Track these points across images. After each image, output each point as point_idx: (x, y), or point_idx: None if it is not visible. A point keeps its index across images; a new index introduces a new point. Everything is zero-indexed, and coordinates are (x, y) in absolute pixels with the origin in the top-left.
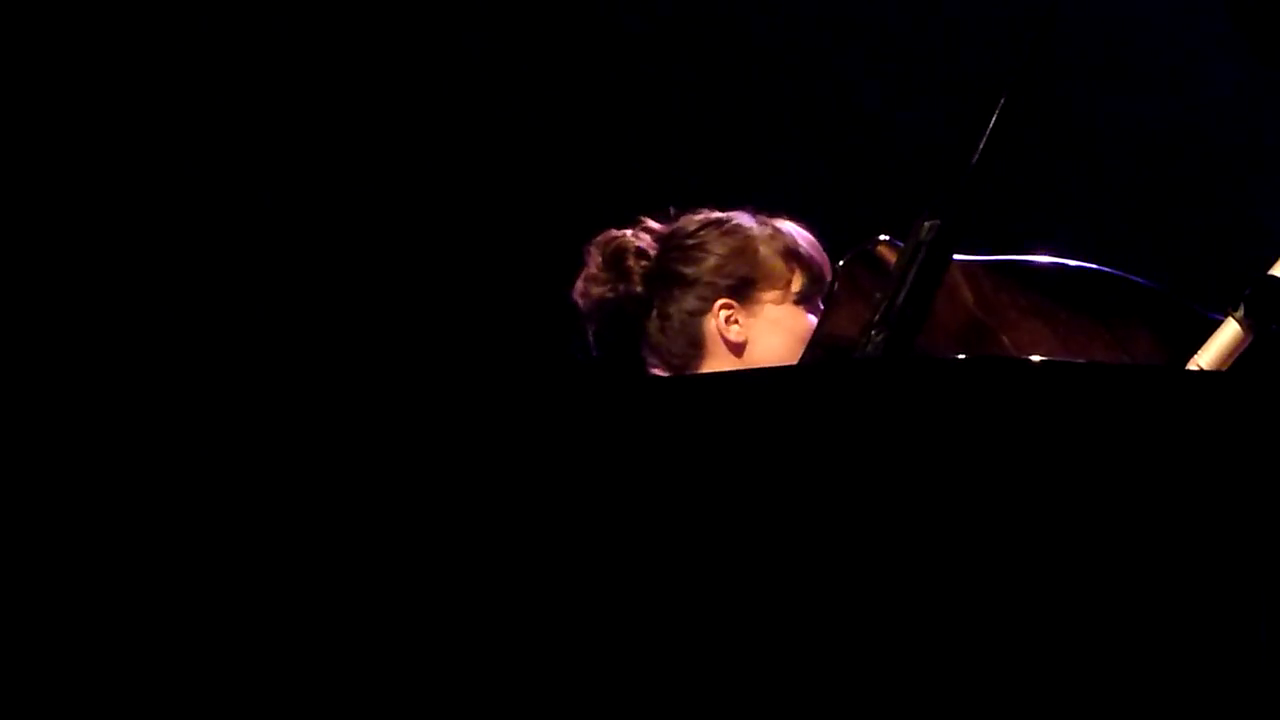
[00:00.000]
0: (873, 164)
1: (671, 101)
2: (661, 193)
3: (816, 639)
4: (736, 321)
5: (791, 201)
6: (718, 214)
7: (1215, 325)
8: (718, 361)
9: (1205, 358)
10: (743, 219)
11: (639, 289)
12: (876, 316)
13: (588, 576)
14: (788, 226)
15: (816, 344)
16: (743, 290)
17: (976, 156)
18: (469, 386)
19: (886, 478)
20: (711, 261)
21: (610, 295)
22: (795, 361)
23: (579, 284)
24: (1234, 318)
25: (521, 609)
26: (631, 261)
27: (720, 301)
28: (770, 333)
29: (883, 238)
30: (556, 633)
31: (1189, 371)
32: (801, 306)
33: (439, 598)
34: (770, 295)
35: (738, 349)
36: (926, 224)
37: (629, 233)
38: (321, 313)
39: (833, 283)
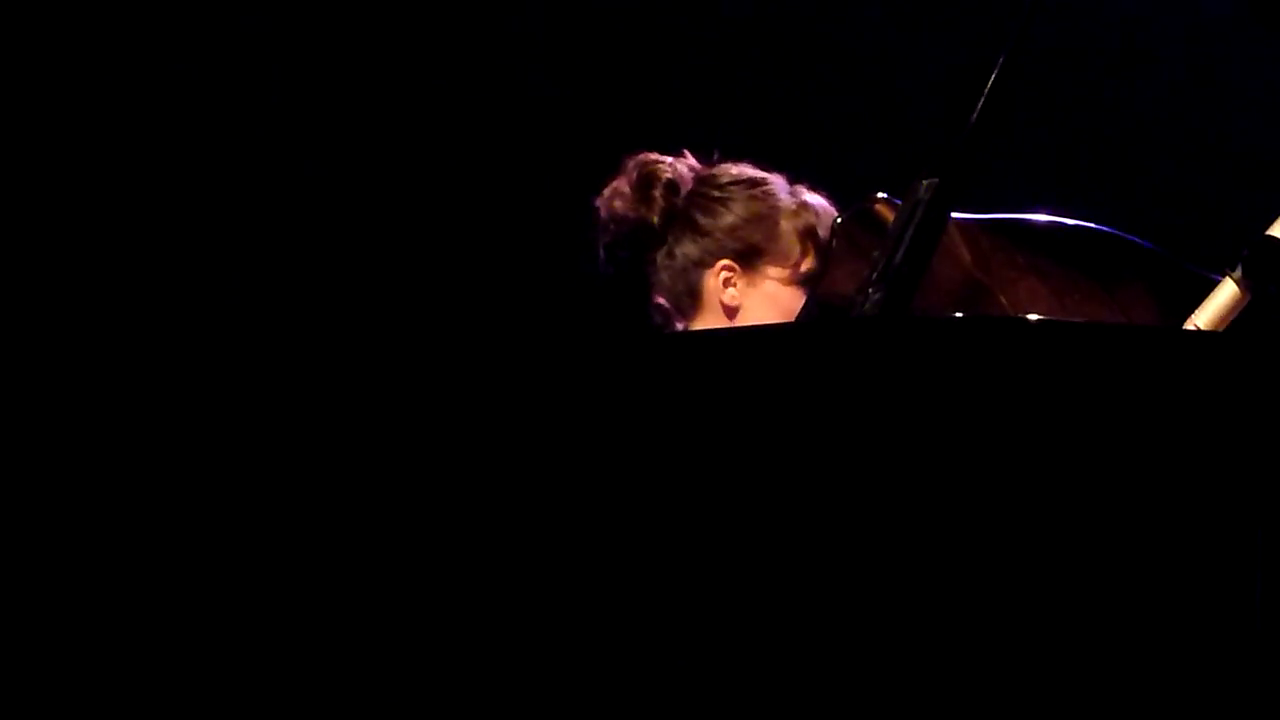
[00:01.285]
0: (873, 122)
1: (676, 54)
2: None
3: (813, 600)
4: (734, 285)
5: (793, 160)
6: (754, 173)
7: (1212, 285)
8: (710, 318)
9: (1203, 318)
10: (777, 186)
11: (656, 220)
12: (874, 275)
13: (580, 541)
14: (817, 204)
15: (813, 302)
16: (750, 257)
17: (975, 115)
18: (451, 360)
19: (882, 436)
20: (728, 220)
21: (630, 215)
22: None
23: (605, 192)
24: (1232, 278)
25: (510, 574)
26: (658, 192)
27: (723, 262)
28: (765, 305)
29: (880, 196)
30: (545, 598)
31: (1186, 331)
32: (803, 289)
33: (418, 561)
34: (775, 270)
35: (730, 312)
36: (925, 182)
37: (668, 161)
38: (298, 285)
39: (830, 240)
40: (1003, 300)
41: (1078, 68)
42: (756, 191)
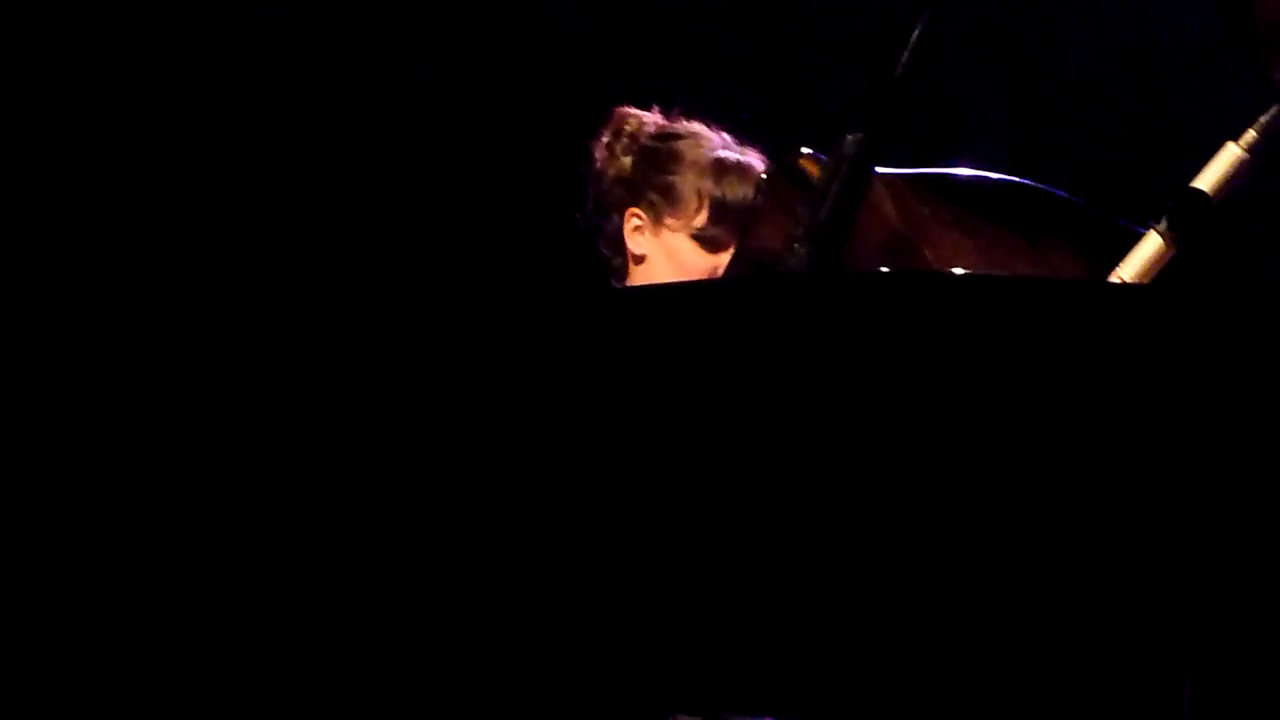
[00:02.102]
0: (798, 77)
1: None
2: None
3: (739, 558)
4: (640, 231)
5: (718, 111)
6: (692, 127)
7: (1137, 238)
8: (633, 270)
9: (1128, 271)
10: (700, 143)
11: (612, 172)
12: (800, 230)
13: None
14: (732, 162)
15: (740, 257)
16: (656, 206)
17: (899, 70)
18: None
19: (808, 390)
20: (636, 170)
21: (598, 167)
22: None
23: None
24: (1156, 231)
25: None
26: (619, 144)
27: (631, 210)
28: (665, 257)
29: (805, 151)
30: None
31: (1111, 284)
32: (699, 244)
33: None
34: (673, 223)
35: (638, 260)
36: (850, 137)
37: (636, 115)
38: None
39: (755, 196)
40: (928, 254)
41: (1003, 22)
42: (668, 146)
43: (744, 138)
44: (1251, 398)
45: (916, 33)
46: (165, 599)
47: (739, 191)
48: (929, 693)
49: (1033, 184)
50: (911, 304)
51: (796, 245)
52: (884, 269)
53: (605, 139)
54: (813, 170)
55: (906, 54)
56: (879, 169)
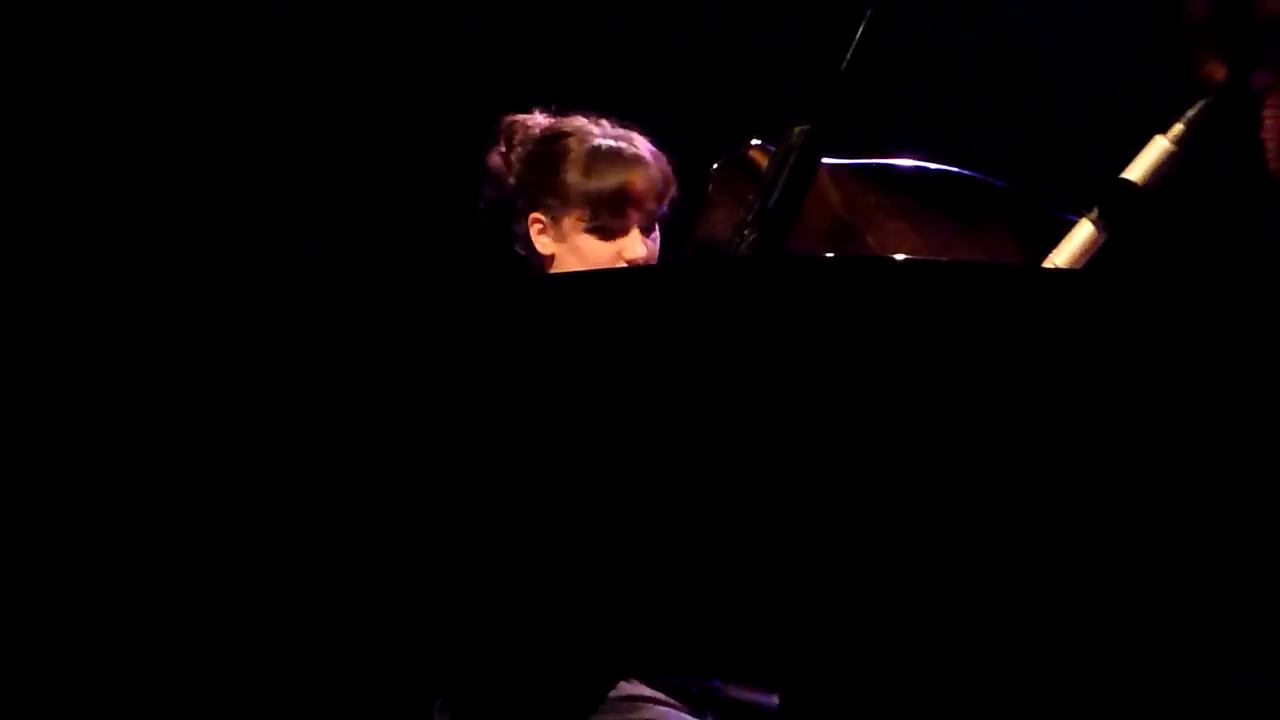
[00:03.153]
0: (749, 71)
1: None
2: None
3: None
4: (544, 234)
5: (671, 107)
6: (576, 122)
7: (1070, 226)
8: (546, 270)
9: (1061, 256)
10: (583, 138)
11: (511, 181)
12: (749, 217)
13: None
14: (604, 149)
15: (692, 244)
16: (552, 209)
17: (844, 65)
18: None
19: (756, 369)
20: (523, 173)
21: (494, 177)
22: None
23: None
24: (1088, 218)
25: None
26: (512, 152)
27: (532, 214)
28: (569, 255)
29: (754, 142)
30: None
31: (1044, 269)
32: (595, 235)
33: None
34: (570, 222)
35: (547, 261)
36: (796, 129)
37: (522, 121)
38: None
39: (707, 185)
40: (870, 240)
41: (944, 20)
42: (552, 147)
43: (654, 125)
44: (1176, 378)
45: (860, 30)
46: (159, 578)
47: (612, 177)
48: (871, 661)
49: (971, 173)
50: (854, 287)
51: (746, 231)
52: (829, 254)
53: (499, 150)
54: (762, 160)
55: (851, 50)
56: (824, 159)
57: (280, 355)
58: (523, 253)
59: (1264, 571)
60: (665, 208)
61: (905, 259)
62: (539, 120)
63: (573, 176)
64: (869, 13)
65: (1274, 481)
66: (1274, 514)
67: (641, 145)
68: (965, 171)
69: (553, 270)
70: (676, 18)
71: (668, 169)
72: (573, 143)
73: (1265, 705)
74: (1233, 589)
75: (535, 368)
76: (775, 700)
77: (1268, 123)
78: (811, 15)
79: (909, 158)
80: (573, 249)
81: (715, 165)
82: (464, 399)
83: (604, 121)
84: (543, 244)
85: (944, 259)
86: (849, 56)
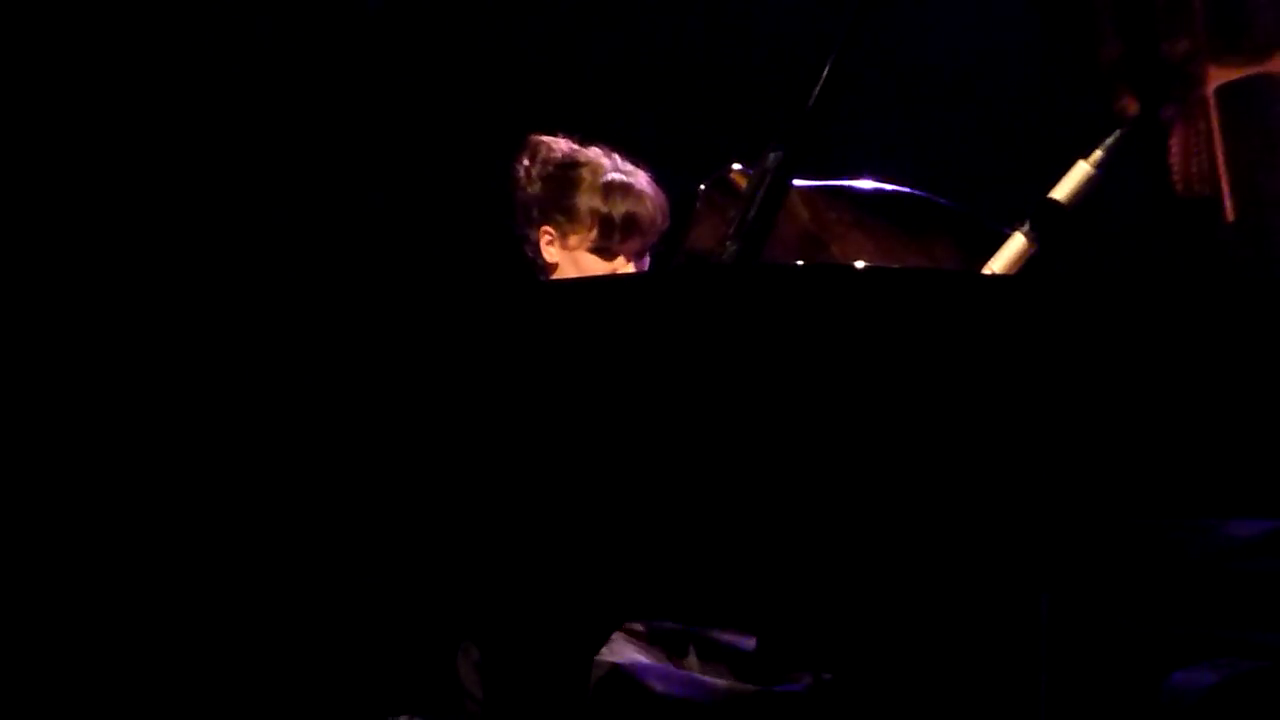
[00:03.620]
0: (726, 107)
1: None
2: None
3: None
4: (552, 245)
5: (666, 134)
6: (590, 154)
7: (1005, 238)
8: (549, 275)
9: (997, 264)
10: (596, 168)
11: (529, 193)
12: (731, 230)
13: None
14: (618, 183)
15: (682, 252)
16: (561, 225)
17: (812, 101)
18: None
19: (734, 359)
20: (542, 193)
21: (518, 188)
22: None
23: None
24: (1021, 232)
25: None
26: (534, 168)
27: (544, 227)
28: (570, 265)
29: (736, 166)
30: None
31: (983, 275)
32: (596, 254)
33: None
34: (575, 239)
35: (551, 269)
36: (771, 155)
37: (546, 142)
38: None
39: (695, 202)
40: (835, 250)
41: (901, 61)
42: (569, 174)
43: (650, 157)
44: (1095, 365)
45: (826, 70)
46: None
47: (622, 207)
48: (833, 606)
49: (920, 193)
50: (821, 290)
51: (728, 242)
52: (799, 262)
53: (523, 163)
54: (741, 182)
55: (818, 87)
56: (795, 181)
57: (336, 341)
58: (530, 255)
59: (1165, 533)
60: (656, 239)
61: (864, 266)
62: (560, 144)
63: (586, 201)
64: (832, 57)
65: (1169, 459)
66: (1170, 485)
67: (646, 182)
68: (915, 191)
69: (553, 278)
70: (669, 46)
71: (665, 205)
72: (586, 172)
73: (1161, 645)
74: (1139, 549)
75: (552, 356)
76: (751, 642)
77: (1173, 149)
78: (788, 50)
79: (867, 179)
80: (574, 262)
81: (702, 185)
82: (492, 385)
83: (615, 155)
84: (549, 254)
85: (897, 266)
86: (815, 95)
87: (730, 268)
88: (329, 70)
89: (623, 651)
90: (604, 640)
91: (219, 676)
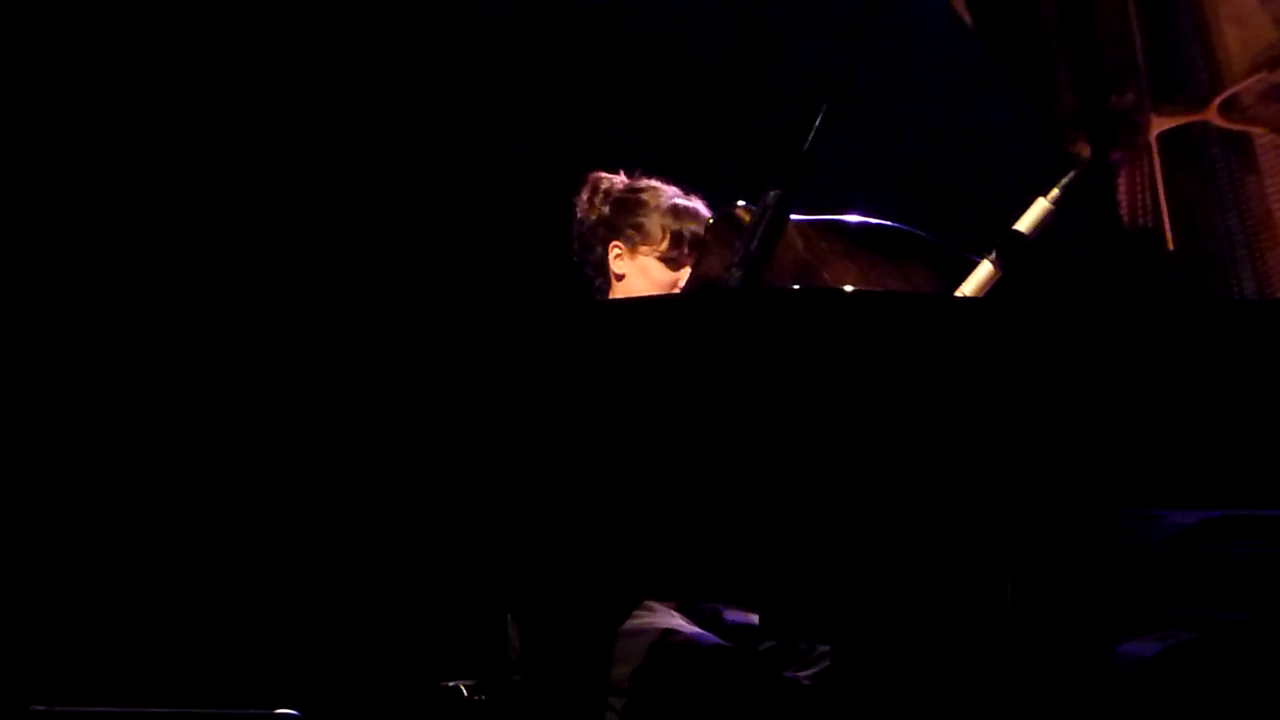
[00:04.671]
0: (738, 149)
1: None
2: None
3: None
4: (621, 258)
5: (690, 172)
6: (651, 183)
7: (973, 265)
8: (611, 286)
9: (968, 288)
10: (655, 194)
11: (593, 218)
12: (736, 259)
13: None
14: (688, 208)
15: (693, 279)
16: (632, 239)
17: (806, 147)
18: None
19: (738, 369)
20: (616, 214)
21: (580, 216)
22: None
23: (576, 200)
24: (988, 260)
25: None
26: (597, 198)
27: (613, 241)
28: (639, 273)
29: (740, 203)
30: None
31: (956, 297)
32: (664, 264)
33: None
34: (646, 250)
35: (619, 278)
36: (771, 193)
37: (607, 176)
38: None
39: (705, 234)
40: (826, 276)
41: (882, 115)
42: (636, 196)
43: (690, 188)
44: (1054, 374)
45: (818, 121)
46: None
47: (690, 225)
48: (827, 585)
49: (901, 226)
50: (814, 310)
51: (733, 269)
52: (795, 286)
53: (585, 195)
54: (745, 217)
55: (812, 135)
56: (792, 216)
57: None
58: (590, 274)
59: (1114, 521)
60: None
61: (852, 290)
62: (619, 178)
63: (656, 219)
64: (824, 108)
65: (1119, 457)
66: (1119, 479)
67: (703, 205)
68: (896, 224)
69: (619, 284)
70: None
71: None
72: (649, 196)
73: (1110, 619)
74: (1092, 535)
75: (585, 368)
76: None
77: (1120, 187)
78: (786, 106)
79: (855, 214)
80: (642, 270)
81: (710, 220)
82: (535, 389)
83: (673, 186)
84: (618, 266)
85: (880, 290)
86: (810, 139)
87: (735, 292)
88: (347, 75)
89: (667, 620)
90: (626, 615)
91: (295, 641)
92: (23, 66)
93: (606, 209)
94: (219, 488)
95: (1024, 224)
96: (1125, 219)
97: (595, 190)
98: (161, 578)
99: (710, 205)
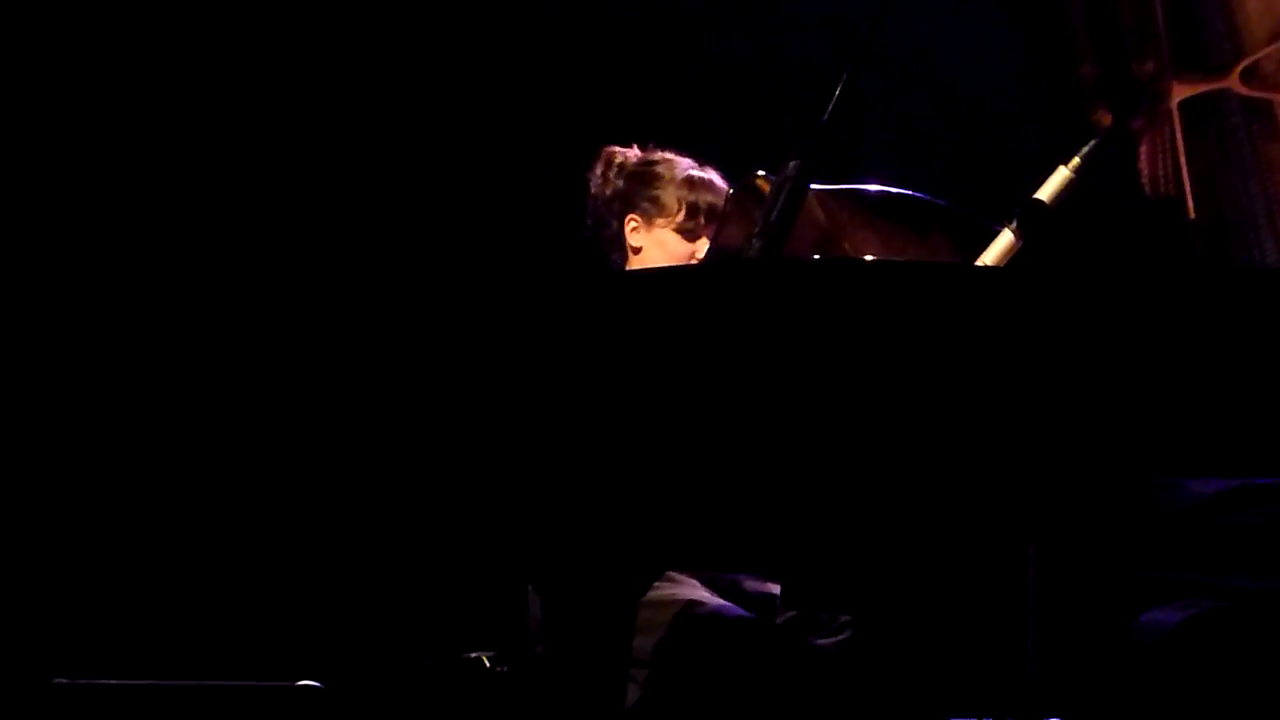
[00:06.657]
0: (758, 119)
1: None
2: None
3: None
4: (637, 231)
5: (709, 143)
6: (665, 155)
7: (994, 235)
8: (631, 259)
9: (988, 258)
10: (670, 166)
11: (608, 192)
12: (756, 229)
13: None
14: (704, 179)
15: (713, 249)
16: (648, 212)
17: (826, 116)
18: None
19: (760, 338)
20: (632, 187)
21: (594, 191)
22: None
23: (589, 175)
24: (1008, 229)
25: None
26: (611, 171)
27: (629, 215)
28: (656, 246)
29: (760, 173)
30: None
31: (975, 266)
32: (681, 235)
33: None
34: (662, 222)
35: (636, 251)
36: (791, 163)
37: (620, 150)
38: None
39: (725, 205)
40: (846, 246)
41: (903, 78)
42: (650, 169)
43: (704, 160)
44: (1076, 345)
45: (837, 92)
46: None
47: (706, 197)
48: (852, 555)
49: (920, 195)
50: (835, 280)
51: (754, 240)
52: (816, 256)
53: (599, 169)
54: (765, 186)
55: (831, 105)
56: (812, 185)
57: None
58: (605, 248)
59: (1137, 490)
60: None
61: (872, 260)
62: (632, 151)
63: (672, 191)
64: (844, 78)
65: (1142, 427)
66: (1142, 449)
67: (718, 176)
68: (916, 193)
69: (636, 257)
70: (705, 61)
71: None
72: (664, 169)
73: (1133, 587)
74: (1115, 504)
75: (615, 331)
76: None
77: (1142, 155)
78: (807, 75)
79: (874, 183)
80: (659, 243)
81: (731, 190)
82: (556, 367)
83: (687, 157)
84: (634, 238)
85: (900, 259)
86: (830, 109)
87: (756, 262)
88: (358, 72)
89: (690, 591)
90: (648, 586)
91: (317, 613)
92: (23, 66)
93: (621, 183)
94: (244, 463)
95: (1045, 193)
96: (1146, 187)
97: (609, 164)
98: (184, 551)
99: (725, 176)
